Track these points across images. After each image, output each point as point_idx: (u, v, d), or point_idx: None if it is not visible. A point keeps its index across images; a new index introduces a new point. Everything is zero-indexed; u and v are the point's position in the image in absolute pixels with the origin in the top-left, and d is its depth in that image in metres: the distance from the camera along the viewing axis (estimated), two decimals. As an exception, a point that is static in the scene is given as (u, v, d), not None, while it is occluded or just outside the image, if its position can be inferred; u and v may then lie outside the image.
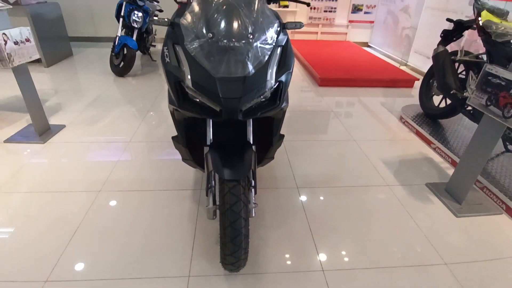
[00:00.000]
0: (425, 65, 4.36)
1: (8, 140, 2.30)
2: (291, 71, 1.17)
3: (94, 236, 1.51)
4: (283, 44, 1.17)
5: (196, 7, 1.08)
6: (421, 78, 4.09)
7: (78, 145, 2.30)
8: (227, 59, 1.02)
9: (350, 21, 5.93)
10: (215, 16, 1.04)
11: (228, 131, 1.40)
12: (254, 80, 1.05)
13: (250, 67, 1.04)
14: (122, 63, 3.79)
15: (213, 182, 1.26)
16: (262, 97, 1.11)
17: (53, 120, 2.66)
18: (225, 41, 1.00)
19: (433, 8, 4.23)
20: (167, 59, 1.11)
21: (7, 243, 1.45)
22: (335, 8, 5.77)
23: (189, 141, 1.38)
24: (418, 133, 2.64)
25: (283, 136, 1.48)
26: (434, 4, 4.21)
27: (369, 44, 6.13)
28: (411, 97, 3.61)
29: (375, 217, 1.72)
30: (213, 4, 1.07)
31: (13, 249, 1.42)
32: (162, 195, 1.81)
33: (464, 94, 2.25)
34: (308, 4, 1.37)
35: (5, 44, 1.96)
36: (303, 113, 2.99)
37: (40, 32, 4.00)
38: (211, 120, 1.26)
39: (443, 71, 2.44)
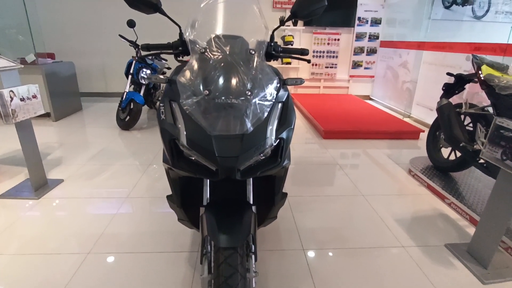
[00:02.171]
0: (428, 116, 4.37)
1: (2, 196, 2.23)
2: (292, 127, 1.12)
3: (75, 309, 1.34)
4: (283, 100, 1.14)
5: (194, 64, 1.07)
6: (426, 129, 4.07)
7: (73, 201, 2.21)
8: (224, 116, 0.98)
9: (351, 76, 6.14)
10: (213, 73, 1.02)
11: (227, 190, 1.31)
12: (253, 137, 0.99)
13: (249, 124, 0.99)
14: (128, 117, 3.85)
15: (209, 247, 1.14)
16: (261, 155, 1.04)
17: (52, 174, 2.60)
18: (222, 98, 0.97)
19: (431, 63, 4.37)
20: (163, 116, 1.07)
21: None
22: (336, 64, 6.02)
23: (184, 201, 1.29)
24: (429, 187, 2.51)
25: (286, 194, 1.38)
26: (431, 60, 4.36)
27: (370, 97, 6.27)
28: (418, 148, 3.54)
29: (390, 282, 1.53)
30: (211, 62, 1.06)
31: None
32: (156, 258, 1.65)
33: (475, 146, 2.17)
34: (308, 61, 1.38)
35: (11, 100, 2.00)
36: (308, 166, 2.91)
37: (52, 89, 4.16)
38: (208, 179, 1.19)
39: (449, 124, 2.39)
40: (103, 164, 2.84)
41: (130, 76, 3.94)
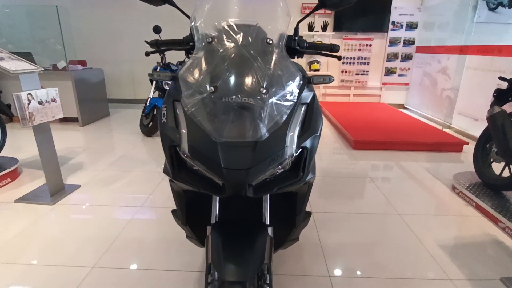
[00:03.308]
0: (472, 127, 3.95)
1: (18, 200, 2.19)
2: (318, 134, 0.91)
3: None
4: (308, 101, 0.94)
5: (199, 56, 0.90)
6: (471, 141, 3.67)
7: (87, 208, 2.12)
8: (232, 119, 0.79)
9: (384, 84, 5.79)
10: (221, 66, 0.84)
11: (240, 207, 1.13)
12: (268, 145, 0.81)
13: (263, 129, 0.81)
14: (151, 123, 3.82)
15: (216, 274, 0.95)
16: (279, 167, 0.85)
17: (70, 180, 2.56)
18: (231, 96, 0.79)
19: (476, 69, 3.96)
20: (164, 119, 0.91)
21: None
22: (367, 71, 5.71)
23: (191, 217, 1.12)
24: (479, 208, 2.17)
25: (310, 214, 1.17)
26: (476, 65, 3.96)
27: (405, 106, 5.86)
28: (461, 162, 3.16)
29: (439, 329, 1.25)
30: (220, 53, 0.88)
31: None
32: (163, 276, 1.50)
33: (537, 162, 1.83)
34: (339, 58, 1.17)
35: (29, 103, 1.96)
36: (335, 179, 2.66)
37: (80, 95, 4.24)
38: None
39: (504, 135, 2.07)
40: (122, 171, 2.77)
41: (154, 82, 3.91)
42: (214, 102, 0.80)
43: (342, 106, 5.34)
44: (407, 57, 5.62)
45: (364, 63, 5.68)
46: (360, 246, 1.76)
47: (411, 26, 5.46)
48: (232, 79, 0.81)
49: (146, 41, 4.05)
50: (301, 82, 0.90)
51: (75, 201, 2.21)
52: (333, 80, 0.97)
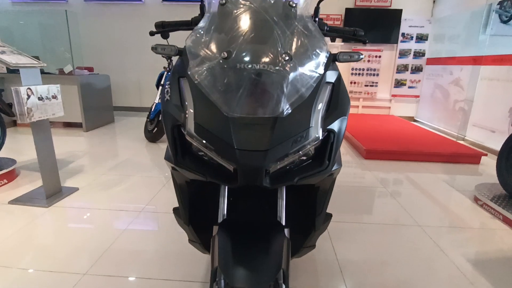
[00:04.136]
0: (489, 139, 3.78)
1: (12, 201, 2.07)
2: (346, 116, 0.79)
3: None
4: (333, 81, 0.82)
5: (209, 21, 0.78)
6: (488, 153, 3.50)
7: (83, 211, 1.99)
8: (248, 90, 0.67)
9: (394, 95, 5.67)
10: (235, 30, 0.73)
11: (250, 204, 0.99)
12: (290, 124, 0.68)
13: (285, 103, 0.68)
14: (155, 129, 3.72)
15: (222, 282, 0.81)
16: (300, 152, 0.72)
17: (68, 182, 2.44)
18: (247, 63, 0.66)
19: (491, 79, 3.84)
20: (167, 97, 0.79)
21: None
22: (376, 82, 5.62)
23: (194, 216, 0.98)
24: (506, 220, 1.99)
25: (330, 216, 1.03)
26: (491, 75, 3.83)
27: (415, 118, 5.72)
28: (479, 175, 2.98)
29: None
30: (233, 15, 0.76)
31: None
32: (163, 286, 1.34)
33: None
34: (364, 42, 1.05)
35: (28, 98, 1.87)
36: (348, 188, 2.50)
37: (86, 100, 4.18)
38: (226, 187, 0.87)
39: (533, 141, 1.91)
40: (123, 175, 2.64)
41: (160, 87, 3.84)
42: (226, 70, 0.68)
43: (351, 117, 5.21)
44: (417, 69, 5.53)
45: (374, 75, 5.59)
46: (381, 259, 1.59)
47: (421, 38, 5.39)
48: (249, 44, 0.69)
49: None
50: (327, 55, 0.78)
51: (72, 204, 2.08)
52: (362, 58, 0.85)
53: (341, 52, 0.84)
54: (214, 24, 0.76)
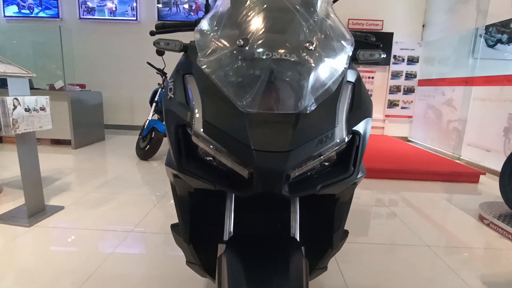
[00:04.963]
0: (484, 159, 3.78)
1: (-10, 221, 1.90)
2: (371, 118, 0.71)
3: None
4: (353, 81, 0.75)
5: (220, 8, 0.71)
6: (486, 173, 3.48)
7: (68, 231, 1.83)
8: (267, 82, 0.59)
9: (387, 116, 5.72)
10: (250, 15, 0.65)
11: (259, 219, 0.89)
12: (314, 122, 0.60)
13: (309, 98, 0.60)
14: (148, 146, 3.60)
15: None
16: (322, 157, 0.63)
17: (53, 201, 2.28)
18: (266, 52, 0.58)
19: (484, 99, 3.89)
20: (170, 95, 0.71)
21: None
22: (369, 102, 5.66)
23: (195, 234, 0.87)
24: (516, 241, 1.92)
25: (347, 233, 0.93)
26: (484, 95, 3.89)
27: (409, 138, 5.74)
28: (479, 194, 2.93)
29: None
30: (248, 1, 0.68)
31: None
32: (153, 317, 1.19)
33: None
34: (378, 46, 1.00)
35: (14, 109, 1.76)
36: (350, 207, 2.40)
37: (76, 116, 4.05)
38: (232, 199, 0.78)
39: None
40: (112, 193, 2.49)
41: (154, 104, 3.76)
42: (242, 60, 0.60)
43: (345, 137, 5.19)
44: (409, 90, 5.62)
45: (367, 95, 5.65)
46: (392, 283, 1.48)
47: (412, 60, 5.52)
48: (268, 31, 0.62)
49: (148, 63, 3.99)
50: (352, 47, 0.71)
51: (56, 224, 1.92)
52: (384, 57, 0.79)
53: (360, 50, 0.77)
54: (227, 12, 0.69)
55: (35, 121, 1.90)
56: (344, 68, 0.66)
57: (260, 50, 0.59)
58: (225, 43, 0.63)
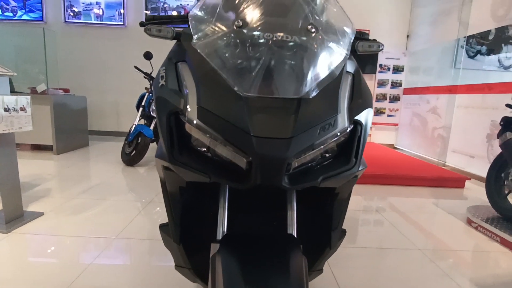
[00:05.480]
0: (468, 165, 3.86)
1: (-38, 228, 1.78)
2: (372, 109, 0.69)
3: None
4: (352, 72, 0.73)
5: None
6: (471, 178, 3.54)
7: (48, 238, 1.73)
8: (267, 65, 0.56)
9: (374, 123, 5.80)
10: None
11: (253, 216, 0.85)
12: (316, 108, 0.57)
13: (312, 82, 0.57)
14: (134, 152, 3.50)
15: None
16: (322, 147, 0.60)
17: (32, 207, 2.16)
18: (266, 33, 0.56)
19: (467, 107, 4.00)
20: (162, 82, 0.66)
21: None
22: (356, 110, 5.74)
23: (186, 235, 0.82)
24: (505, 242, 1.93)
25: (344, 232, 0.90)
26: (467, 103, 4.00)
27: (395, 146, 5.83)
28: (465, 199, 2.98)
29: None
30: None
31: None
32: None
33: None
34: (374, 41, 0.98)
35: (-8, 108, 1.66)
36: (340, 212, 2.38)
37: (58, 121, 3.92)
38: (226, 195, 0.73)
39: (524, 160, 1.91)
40: (95, 199, 2.39)
41: (141, 109, 3.69)
42: (241, 42, 0.57)
43: (334, 144, 5.22)
44: (395, 98, 5.73)
45: (354, 103, 5.73)
46: (388, 284, 1.45)
47: (398, 69, 5.65)
48: (268, 12, 0.59)
49: (135, 67, 3.92)
50: (353, 33, 0.69)
51: (34, 231, 1.82)
52: (382, 49, 0.77)
53: (359, 41, 0.76)
54: None
55: (14, 122, 1.81)
56: (346, 53, 0.64)
57: (260, 31, 0.56)
58: (222, 26, 0.60)
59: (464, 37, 4.28)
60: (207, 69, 0.59)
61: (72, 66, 5.43)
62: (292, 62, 0.57)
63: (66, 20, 5.28)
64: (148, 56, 3.50)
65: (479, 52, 4.56)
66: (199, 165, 0.61)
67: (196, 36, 0.62)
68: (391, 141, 5.89)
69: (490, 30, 3.90)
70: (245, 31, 0.57)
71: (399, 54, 5.61)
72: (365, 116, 0.66)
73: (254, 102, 0.55)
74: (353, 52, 0.77)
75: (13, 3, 5.15)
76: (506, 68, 4.48)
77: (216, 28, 0.60)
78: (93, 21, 5.30)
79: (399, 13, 5.55)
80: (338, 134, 0.60)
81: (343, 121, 0.61)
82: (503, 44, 4.01)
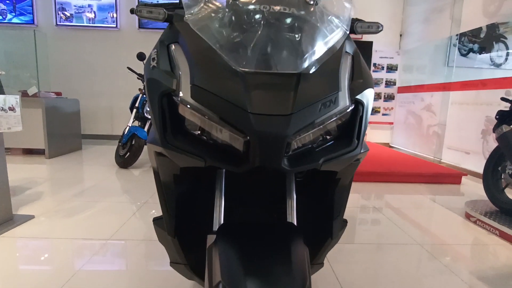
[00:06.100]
0: (464, 161, 3.87)
1: (-52, 233, 1.71)
2: (373, 90, 0.66)
3: None
4: (351, 53, 0.70)
5: None
6: (467, 174, 3.55)
7: (37, 242, 1.68)
8: (265, 38, 0.53)
9: (369, 122, 5.80)
10: None
11: (251, 209, 0.81)
12: (317, 83, 0.54)
13: (311, 57, 0.54)
14: (128, 154, 3.44)
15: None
16: (321, 126, 0.57)
17: (23, 210, 2.10)
18: (263, 4, 0.53)
19: (461, 103, 4.02)
20: (153, 64, 0.63)
21: None
22: (351, 109, 5.74)
23: (181, 229, 0.78)
24: (504, 235, 1.92)
25: (346, 222, 0.87)
26: (461, 99, 4.02)
27: (390, 144, 5.84)
28: (461, 194, 2.97)
29: None
30: None
31: None
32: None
33: None
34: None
35: (-21, 108, 1.61)
36: (338, 209, 2.35)
37: (50, 125, 3.85)
38: (222, 182, 0.70)
39: (521, 152, 1.91)
40: (88, 201, 2.34)
41: (134, 110, 3.64)
42: (236, 14, 0.54)
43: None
44: (389, 97, 5.75)
45: (349, 102, 5.73)
46: (388, 284, 1.42)
47: (391, 68, 5.67)
48: None
49: (129, 68, 3.87)
50: (352, 11, 0.66)
51: (24, 234, 1.76)
52: (382, 29, 0.75)
53: (358, 21, 0.73)
54: None
55: (3, 122, 1.76)
56: (346, 29, 0.62)
57: (256, 3, 0.53)
58: (215, 1, 0.57)
59: (457, 34, 4.31)
60: (202, 48, 0.56)
61: (64, 69, 5.36)
62: (291, 36, 0.54)
63: (58, 23, 5.22)
64: (141, 57, 3.46)
65: (471, 50, 4.60)
66: (193, 149, 0.58)
67: (187, 11, 0.59)
68: (386, 140, 5.90)
69: (481, 28, 3.93)
70: (240, 4, 0.54)
71: (392, 53, 5.64)
72: (367, 96, 0.63)
73: (251, 78, 0.52)
74: (352, 34, 0.74)
75: (3, 6, 5.08)
76: (498, 66, 4.53)
77: (210, 4, 0.57)
78: (85, 24, 5.25)
79: (392, 12, 5.58)
80: (339, 113, 0.57)
81: (344, 99, 0.58)
82: (494, 42, 4.03)
